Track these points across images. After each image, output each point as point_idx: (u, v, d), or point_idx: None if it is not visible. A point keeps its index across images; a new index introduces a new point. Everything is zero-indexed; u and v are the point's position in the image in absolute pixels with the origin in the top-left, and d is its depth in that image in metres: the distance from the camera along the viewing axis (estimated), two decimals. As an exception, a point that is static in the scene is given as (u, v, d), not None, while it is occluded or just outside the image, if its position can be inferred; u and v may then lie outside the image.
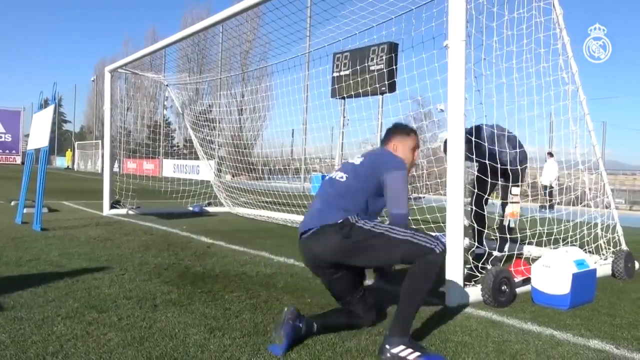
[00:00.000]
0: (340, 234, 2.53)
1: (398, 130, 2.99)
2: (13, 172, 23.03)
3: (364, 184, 2.70)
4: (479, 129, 4.52)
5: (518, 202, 4.61)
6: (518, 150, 4.76)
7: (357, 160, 2.84)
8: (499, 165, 4.32)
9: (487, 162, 4.07)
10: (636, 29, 59.87)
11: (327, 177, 2.89)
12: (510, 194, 4.55)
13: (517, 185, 4.64)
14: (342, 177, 2.77)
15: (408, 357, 2.32)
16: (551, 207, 12.11)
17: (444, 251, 2.46)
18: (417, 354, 2.33)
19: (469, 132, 3.93)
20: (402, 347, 2.34)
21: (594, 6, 55.05)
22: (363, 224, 2.55)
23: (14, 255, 4.50)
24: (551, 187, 13.79)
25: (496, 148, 4.28)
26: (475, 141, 4.14)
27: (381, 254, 2.55)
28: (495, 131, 4.47)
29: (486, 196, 4.77)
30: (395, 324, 2.41)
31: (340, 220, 2.54)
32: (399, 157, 2.81)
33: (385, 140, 3.01)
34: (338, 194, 2.70)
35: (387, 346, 2.36)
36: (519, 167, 4.75)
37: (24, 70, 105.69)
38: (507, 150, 4.56)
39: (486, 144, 4.14)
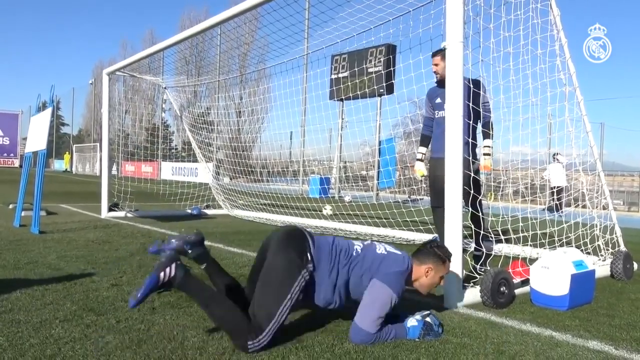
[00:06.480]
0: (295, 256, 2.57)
1: (439, 255, 2.79)
2: (11, 175, 23.00)
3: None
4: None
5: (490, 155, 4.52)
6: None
7: (380, 249, 2.76)
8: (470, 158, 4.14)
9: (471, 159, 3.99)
10: (636, 29, 59.98)
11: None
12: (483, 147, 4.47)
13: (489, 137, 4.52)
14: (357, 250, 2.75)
15: None
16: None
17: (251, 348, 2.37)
18: None
19: None
20: None
21: (592, 7, 55.21)
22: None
23: (12, 258, 4.49)
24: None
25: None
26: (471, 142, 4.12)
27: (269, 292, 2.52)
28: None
29: (480, 197, 4.73)
30: None
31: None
32: (398, 276, 2.65)
33: (420, 257, 2.80)
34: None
35: None
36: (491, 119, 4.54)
37: (22, 73, 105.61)
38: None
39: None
